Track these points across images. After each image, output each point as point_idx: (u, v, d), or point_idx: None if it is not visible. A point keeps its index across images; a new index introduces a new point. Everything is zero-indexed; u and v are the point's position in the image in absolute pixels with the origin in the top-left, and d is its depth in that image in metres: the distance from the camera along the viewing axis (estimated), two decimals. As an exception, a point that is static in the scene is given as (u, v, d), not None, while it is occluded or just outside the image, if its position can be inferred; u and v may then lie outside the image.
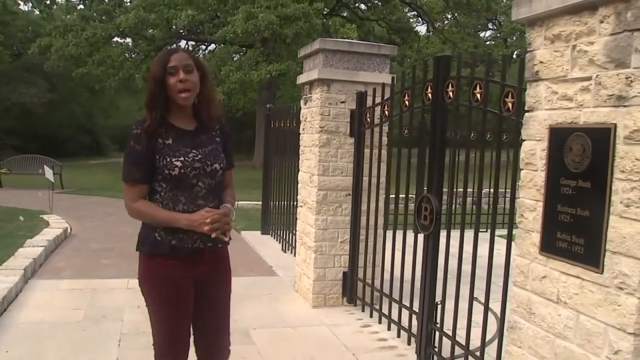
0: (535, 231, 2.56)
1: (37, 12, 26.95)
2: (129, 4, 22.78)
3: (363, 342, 4.63)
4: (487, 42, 32.65)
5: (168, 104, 2.57)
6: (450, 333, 3.97)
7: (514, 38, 31.76)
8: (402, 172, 4.74)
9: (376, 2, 28.65)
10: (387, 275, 5.02)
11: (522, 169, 2.67)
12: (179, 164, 2.52)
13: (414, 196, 4.67)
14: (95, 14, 21.80)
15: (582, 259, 2.30)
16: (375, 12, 28.28)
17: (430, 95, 4.15)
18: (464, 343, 3.81)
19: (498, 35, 34.10)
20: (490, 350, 3.79)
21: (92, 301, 5.43)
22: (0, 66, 28.72)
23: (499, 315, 3.59)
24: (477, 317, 3.73)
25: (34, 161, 16.28)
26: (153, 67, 2.57)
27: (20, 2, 26.07)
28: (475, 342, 3.78)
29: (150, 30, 21.22)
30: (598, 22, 2.23)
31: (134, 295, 5.41)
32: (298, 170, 6.10)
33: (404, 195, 4.63)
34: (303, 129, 5.89)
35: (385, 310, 4.89)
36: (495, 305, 3.72)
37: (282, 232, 8.28)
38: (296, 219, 6.20)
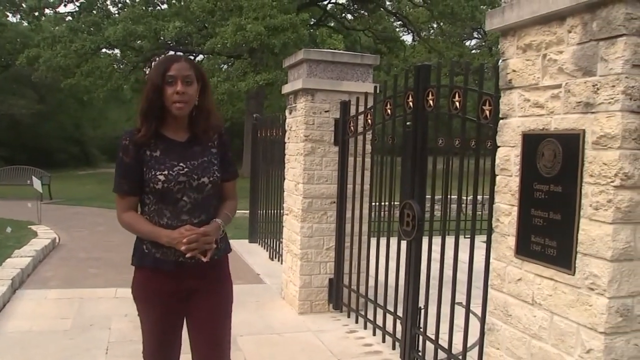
0: (511, 235, 2.62)
1: (25, 23, 26.80)
2: (117, 15, 22.78)
3: (349, 347, 4.68)
4: (473, 51, 32.82)
5: (163, 113, 2.49)
6: (433, 337, 4.03)
7: (499, 47, 31.90)
8: (385, 179, 4.81)
9: (362, 12, 28.88)
10: (372, 282, 5.08)
11: (497, 175, 2.74)
12: (162, 177, 2.46)
13: (399, 203, 4.73)
14: (83, 26, 21.75)
15: (555, 261, 2.37)
16: (362, 22, 28.50)
17: (411, 103, 4.23)
18: (446, 347, 3.87)
19: (483, 44, 34.34)
20: (473, 354, 3.84)
21: (80, 310, 5.44)
22: (-11, 77, 28.69)
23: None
24: (460, 321, 3.79)
25: (23, 172, 16.19)
26: (152, 73, 2.50)
27: (8, 13, 25.94)
28: (458, 346, 3.84)
29: (138, 42, 21.22)
30: (566, 32, 2.31)
31: (121, 304, 5.44)
32: (284, 178, 6.16)
33: (388, 203, 4.69)
34: (288, 138, 5.95)
35: (370, 316, 4.94)
36: (478, 309, 3.77)
37: (269, 240, 8.32)
38: (283, 227, 6.25)
